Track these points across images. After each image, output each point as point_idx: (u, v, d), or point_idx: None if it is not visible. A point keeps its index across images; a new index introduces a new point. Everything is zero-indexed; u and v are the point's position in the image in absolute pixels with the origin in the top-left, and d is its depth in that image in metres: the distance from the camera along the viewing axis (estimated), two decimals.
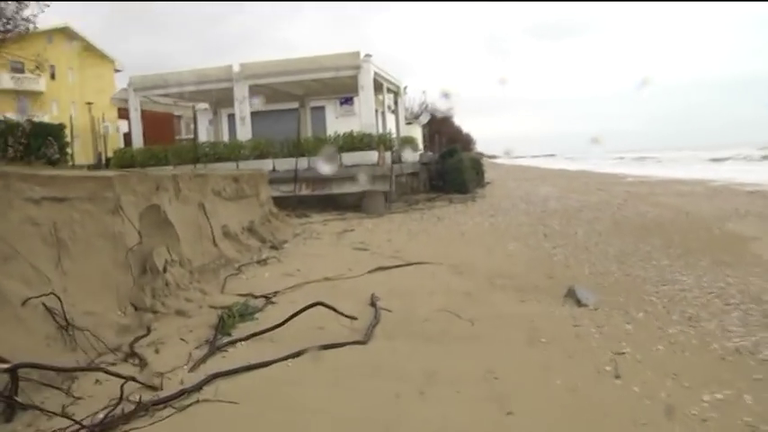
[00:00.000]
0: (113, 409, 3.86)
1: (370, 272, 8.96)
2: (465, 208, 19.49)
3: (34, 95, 53.74)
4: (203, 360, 5.04)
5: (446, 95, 67.45)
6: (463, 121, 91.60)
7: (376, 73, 19.57)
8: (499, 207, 19.61)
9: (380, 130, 22.36)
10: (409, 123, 39.80)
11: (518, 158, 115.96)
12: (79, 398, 4.15)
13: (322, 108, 29.61)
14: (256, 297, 7.36)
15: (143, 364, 4.85)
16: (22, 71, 53.03)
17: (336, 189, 18.44)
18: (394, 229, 14.36)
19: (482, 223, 15.57)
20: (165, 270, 6.78)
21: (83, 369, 4.41)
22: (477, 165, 29.18)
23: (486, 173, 32.52)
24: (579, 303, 7.32)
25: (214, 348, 5.28)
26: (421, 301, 7.30)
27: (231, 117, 30.93)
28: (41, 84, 53.89)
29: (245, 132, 19.71)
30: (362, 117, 18.80)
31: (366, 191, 17.97)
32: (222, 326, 5.84)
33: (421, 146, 31.76)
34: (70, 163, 14.81)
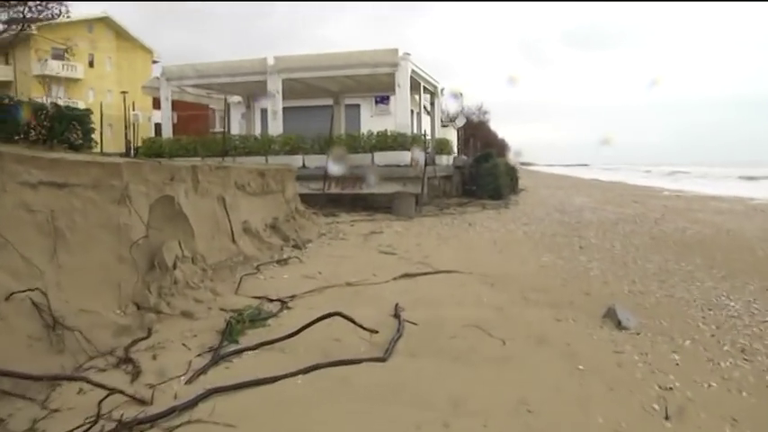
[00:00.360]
0: (89, 429, 3.35)
1: (395, 279, 8.43)
2: (497, 215, 18.87)
3: (72, 82, 54.31)
4: (203, 371, 4.54)
5: (480, 110, 66.91)
6: (498, 127, 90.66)
7: (413, 71, 19.04)
8: (533, 215, 18.96)
9: (415, 131, 21.84)
10: (445, 126, 39.20)
11: (551, 166, 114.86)
12: (56, 410, 3.66)
13: (357, 106, 29.19)
14: (272, 301, 6.86)
15: (136, 371, 4.36)
16: (62, 57, 53.93)
17: (367, 189, 17.94)
18: (423, 233, 13.82)
19: (515, 231, 14.95)
20: (174, 266, 6.32)
21: (57, 378, 3.91)
22: (511, 171, 28.53)
23: (521, 180, 31.84)
24: (619, 325, 6.72)
25: (217, 358, 4.78)
26: (449, 313, 6.74)
27: (264, 111, 30.72)
28: (79, 71, 54.45)
29: (276, 127, 19.30)
30: (397, 116, 18.29)
31: (397, 192, 17.45)
32: (229, 332, 5.34)
33: (455, 149, 31.14)
34: (96, 149, 14.48)
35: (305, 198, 18.03)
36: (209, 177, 8.27)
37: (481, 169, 24.40)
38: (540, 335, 6.16)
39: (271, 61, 19.09)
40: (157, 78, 21.51)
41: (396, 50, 18.15)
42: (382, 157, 17.52)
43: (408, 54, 18.30)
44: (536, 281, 8.92)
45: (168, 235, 6.61)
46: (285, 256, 9.73)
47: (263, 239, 9.87)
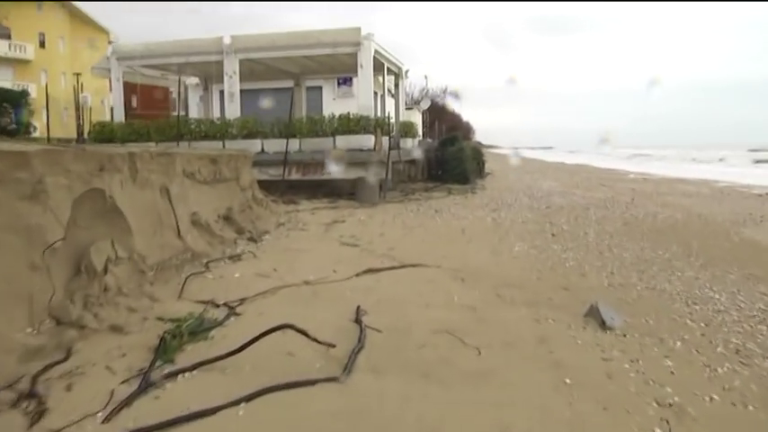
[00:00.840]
0: None
1: (357, 275, 7.71)
2: (465, 200, 18.26)
3: (22, 64, 52.00)
4: (127, 403, 3.78)
5: (456, 95, 66.24)
6: (463, 110, 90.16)
7: (377, 52, 18.24)
8: (501, 200, 18.39)
9: (379, 114, 21.05)
10: (409, 109, 38.49)
11: (517, 149, 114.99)
12: None
13: (319, 88, 28.30)
14: (218, 306, 6.11)
15: (39, 410, 3.55)
16: (9, 37, 51.57)
17: (328, 175, 17.16)
18: (388, 222, 13.12)
19: (484, 218, 14.35)
20: (106, 270, 5.53)
21: None
22: (477, 154, 27.95)
23: (487, 163, 31.27)
24: (603, 325, 6.13)
25: (145, 385, 4.02)
26: (416, 316, 6.07)
27: (222, 93, 29.70)
28: (29, 52, 52.13)
29: (233, 110, 18.38)
30: (360, 98, 17.50)
31: (360, 178, 16.71)
32: (164, 350, 4.57)
33: (420, 132, 30.47)
34: (36, 135, 13.47)
35: (264, 185, 17.18)
36: (150, 166, 7.45)
37: (447, 153, 23.77)
38: (518, 340, 5.52)
39: (227, 41, 18.13)
40: (107, 58, 20.40)
41: (358, 29, 17.33)
42: (345, 141, 16.74)
43: (371, 34, 17.49)
44: (510, 274, 8.30)
45: (99, 234, 5.80)
46: (239, 251, 8.95)
47: (215, 233, 9.08)
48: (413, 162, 23.35)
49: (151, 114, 21.87)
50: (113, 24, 64.98)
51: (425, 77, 66.03)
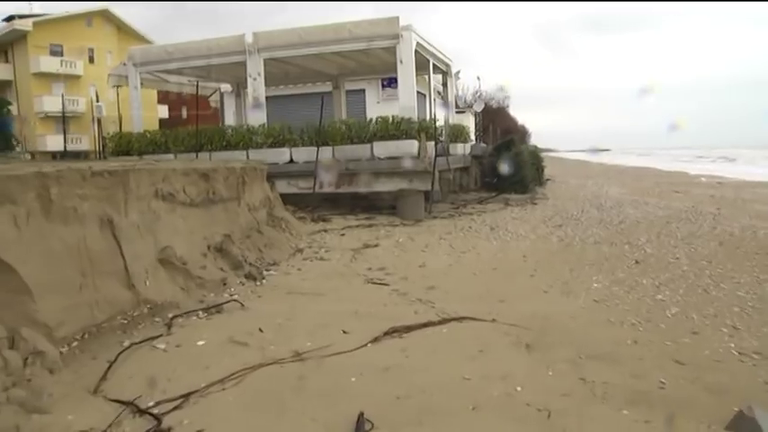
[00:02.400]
0: None
1: (376, 339, 5.39)
2: (524, 213, 15.76)
3: (72, 79, 51.83)
4: None
5: (502, 89, 63.41)
6: (518, 113, 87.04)
7: (419, 45, 15.93)
8: (566, 213, 15.82)
9: (426, 117, 18.68)
10: (461, 112, 36.06)
11: (573, 152, 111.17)
12: None
13: (361, 91, 26.19)
14: (141, 411, 3.87)
15: None
16: (61, 54, 51.74)
17: (365, 187, 14.91)
18: (432, 245, 10.78)
19: (548, 237, 11.86)
20: None
21: None
22: (536, 159, 25.27)
23: (546, 168, 28.53)
24: None
25: None
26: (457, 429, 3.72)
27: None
28: (79, 68, 52.15)
29: (259, 116, 16.30)
30: (401, 98, 15.22)
31: (402, 190, 14.41)
32: None
33: (473, 136, 28.00)
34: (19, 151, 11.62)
35: (293, 199, 15.15)
36: (81, 190, 5.28)
37: (503, 159, 21.27)
38: None
39: (249, 39, 16.07)
40: (124, 64, 18.58)
41: (396, 19, 15.03)
42: (383, 149, 14.45)
43: (411, 25, 15.17)
44: (593, 334, 5.85)
45: None
46: (225, 296, 6.74)
47: (193, 273, 6.87)
48: (465, 170, 20.95)
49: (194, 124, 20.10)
50: (161, 37, 64.50)
51: (478, 78, 63.43)
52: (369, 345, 5.25)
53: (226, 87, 24.10)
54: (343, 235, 11.79)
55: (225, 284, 7.24)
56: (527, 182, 21.01)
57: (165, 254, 6.60)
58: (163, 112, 49.52)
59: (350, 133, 15.10)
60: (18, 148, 42.67)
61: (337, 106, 21.91)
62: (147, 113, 36.43)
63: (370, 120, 15.21)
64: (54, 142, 45.52)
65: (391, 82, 24.80)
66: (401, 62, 14.89)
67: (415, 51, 15.50)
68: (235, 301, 6.51)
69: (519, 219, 14.59)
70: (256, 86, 16.28)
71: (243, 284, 7.47)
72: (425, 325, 5.82)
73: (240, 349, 5.09)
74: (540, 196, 20.20)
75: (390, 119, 14.67)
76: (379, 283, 7.70)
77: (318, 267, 8.80)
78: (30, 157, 39.69)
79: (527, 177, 21.11)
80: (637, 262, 9.50)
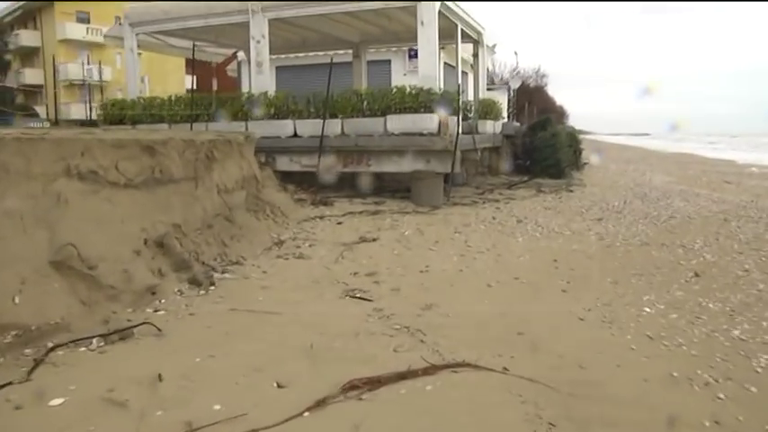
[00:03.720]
0: None
1: (317, 405, 3.55)
2: (558, 202, 13.76)
3: (98, 47, 50.71)
4: None
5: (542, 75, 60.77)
6: (556, 93, 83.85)
7: (446, 7, 13.95)
8: (606, 203, 13.78)
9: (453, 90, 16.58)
10: (495, 89, 33.88)
11: (614, 136, 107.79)
12: None
13: (387, 62, 24.17)
14: None
15: None
16: (87, 21, 50.75)
17: (376, 166, 13.04)
18: (444, 240, 8.91)
19: (585, 235, 9.91)
20: None
21: None
22: (574, 141, 22.97)
23: (584, 152, 26.27)
24: None
25: None
26: None
27: (277, 68, 26.00)
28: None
29: (261, 83, 14.46)
30: (421, 65, 13.25)
31: (417, 171, 12.52)
32: None
33: (505, 114, 25.88)
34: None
35: (297, 178, 13.40)
36: None
37: (537, 139, 19.20)
38: None
39: None
40: (120, 25, 16.85)
41: None
42: (398, 123, 12.53)
43: None
44: (650, 401, 3.96)
45: None
46: (142, 316, 4.96)
47: (102, 280, 5.08)
48: (495, 150, 18.92)
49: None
50: None
51: (515, 54, 60.97)
52: (306, 414, 3.42)
53: (242, 55, 22.39)
54: (340, 223, 9.96)
55: (154, 294, 5.46)
56: (563, 166, 18.93)
57: (63, 254, 4.84)
58: (189, 82, 48.08)
59: (361, 105, 13.20)
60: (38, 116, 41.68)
61: (357, 77, 19.98)
62: (172, 86, 35.02)
63: (386, 89, 13.28)
64: (78, 110, 44.40)
65: (415, 54, 22.79)
66: (422, 24, 12.89)
67: (440, 13, 13.51)
68: (148, 324, 4.71)
69: (552, 209, 12.62)
70: (260, 50, 14.43)
71: (181, 294, 5.70)
72: (403, 376, 3.98)
73: (111, 415, 3.31)
74: (577, 182, 18.10)
75: (407, 89, 12.72)
76: (360, 298, 5.86)
77: (291, 269, 6.99)
78: (48, 124, 38.43)
79: (563, 161, 19.02)
80: (696, 275, 7.54)
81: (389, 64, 24.11)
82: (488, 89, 29.17)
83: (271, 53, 22.49)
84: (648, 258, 8.39)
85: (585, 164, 24.71)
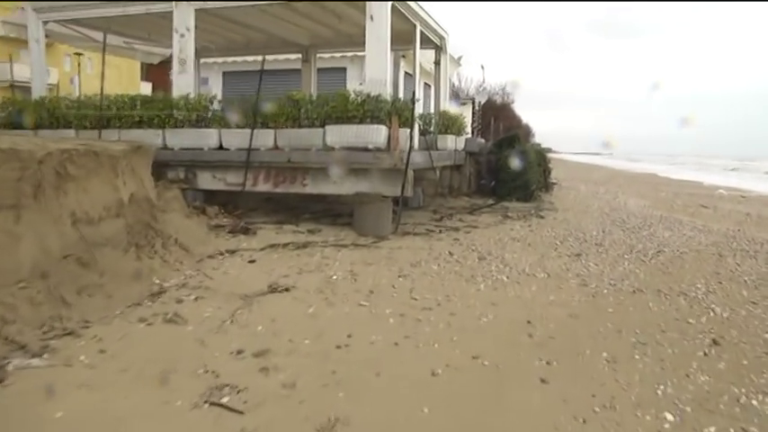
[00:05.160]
0: None
1: None
2: (528, 231, 11.77)
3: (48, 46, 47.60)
4: None
5: (514, 85, 59.18)
6: (522, 112, 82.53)
7: (402, 2, 11.95)
8: (582, 232, 11.84)
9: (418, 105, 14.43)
10: (463, 104, 32.07)
11: (576, 154, 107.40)
12: None
13: (341, 70, 22.08)
14: None
15: None
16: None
17: (313, 187, 10.92)
18: (382, 289, 6.79)
19: (563, 277, 7.91)
20: None
21: None
22: (543, 160, 21.10)
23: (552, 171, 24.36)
24: None
25: None
26: None
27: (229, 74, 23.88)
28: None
29: (184, 83, 12.26)
30: (368, 67, 11.18)
31: (360, 194, 10.43)
32: None
33: (469, 129, 23.93)
34: None
35: (222, 198, 11.28)
36: None
37: (504, 158, 17.25)
38: None
39: None
40: (23, 9, 14.53)
41: None
42: (339, 135, 10.42)
43: None
44: None
45: None
46: None
47: None
48: (457, 168, 16.93)
49: None
50: None
51: (482, 68, 59.56)
52: None
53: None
54: (253, 261, 7.78)
55: None
56: (531, 187, 17.00)
57: None
58: (146, 89, 45.37)
59: (298, 113, 11.07)
60: None
61: (306, 85, 17.87)
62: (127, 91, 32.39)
63: (326, 95, 11.16)
64: None
65: None
66: (371, 19, 10.84)
67: (395, 10, 11.51)
68: None
69: (521, 240, 10.60)
70: (183, 45, 12.23)
71: None
72: None
73: None
74: (548, 206, 16.16)
75: (351, 95, 10.62)
76: (226, 408, 3.69)
77: (148, 344, 4.79)
78: None
79: (532, 182, 17.09)
80: (715, 342, 5.57)
81: (344, 72, 22.03)
82: (454, 103, 27.35)
83: (213, 55, 20.51)
84: (647, 314, 6.42)
85: (554, 184, 22.89)
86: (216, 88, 21.25)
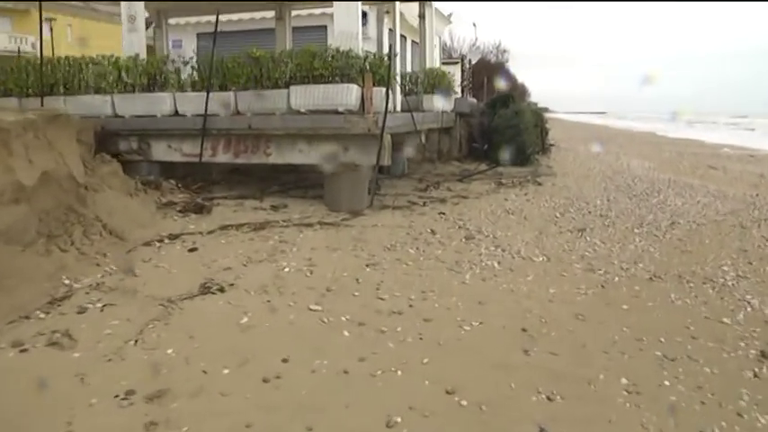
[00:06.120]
0: None
1: None
2: (524, 200, 10.50)
3: (20, 14, 45.96)
4: None
5: (498, 48, 57.10)
6: (518, 71, 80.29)
7: None
8: (584, 201, 10.61)
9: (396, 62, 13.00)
10: (453, 63, 30.48)
11: (572, 114, 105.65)
12: None
13: (321, 29, 20.46)
14: None
15: None
16: None
17: (277, 156, 9.61)
18: (342, 285, 5.54)
19: (565, 261, 6.70)
20: None
21: None
22: (539, 120, 19.65)
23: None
24: None
25: None
26: None
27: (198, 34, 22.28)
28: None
29: (135, 43, 10.87)
30: (336, 19, 9.78)
31: (331, 162, 9.11)
32: None
33: (459, 89, 22.46)
34: None
35: (182, 171, 10.03)
36: None
37: (498, 119, 15.89)
38: None
39: None
40: None
41: None
42: (305, 97, 9.09)
43: None
44: None
45: None
46: None
47: None
48: (446, 131, 15.57)
49: None
50: None
51: (474, 25, 57.62)
52: None
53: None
54: (194, 250, 6.51)
55: None
56: (528, 151, 15.67)
57: None
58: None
59: (259, 73, 9.69)
60: None
61: (281, 45, 16.33)
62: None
63: (289, 51, 9.79)
64: None
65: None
66: None
67: None
68: None
69: (516, 213, 9.35)
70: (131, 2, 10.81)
71: None
72: None
73: None
74: (545, 170, 14.86)
75: (318, 51, 9.23)
76: None
77: (4, 383, 3.54)
78: None
79: (528, 144, 15.74)
80: (764, 356, 4.34)
81: (325, 31, 20.42)
82: (444, 63, 25.84)
83: (184, 15, 18.99)
84: (670, 312, 5.22)
85: (552, 145, 21.56)
86: (190, 51, 19.75)
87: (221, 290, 5.07)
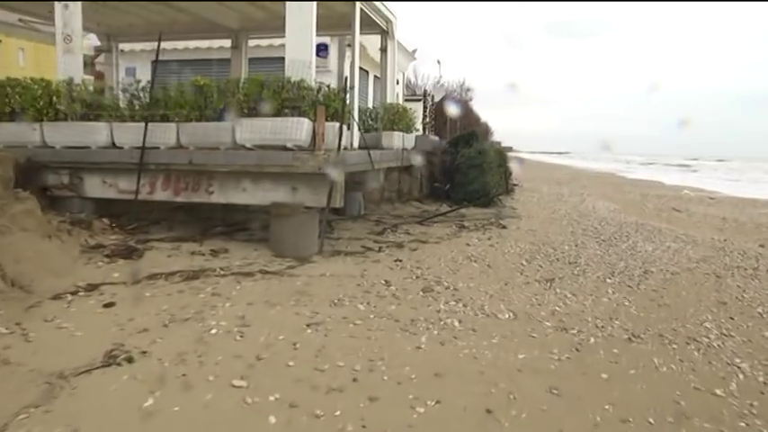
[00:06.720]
0: None
1: None
2: (488, 247, 9.79)
3: None
4: None
5: (462, 87, 57.19)
6: (482, 110, 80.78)
7: None
8: (552, 248, 9.97)
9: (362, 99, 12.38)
10: (417, 100, 30.05)
11: (535, 153, 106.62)
12: None
13: (279, 60, 19.77)
14: None
15: None
16: None
17: (220, 195, 8.79)
18: (275, 351, 4.73)
19: (534, 319, 5.99)
20: None
21: None
22: (503, 160, 19.09)
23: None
24: None
25: None
26: None
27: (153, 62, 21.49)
28: None
29: (72, 66, 10.01)
30: (288, 47, 9.11)
31: (277, 203, 8.33)
32: None
33: (421, 126, 21.93)
34: None
35: (119, 208, 9.17)
36: None
37: (460, 158, 15.30)
38: None
39: None
40: None
41: None
42: (252, 131, 8.32)
43: None
44: None
45: None
46: None
47: None
48: (406, 170, 14.91)
49: None
50: None
51: (438, 62, 57.67)
52: None
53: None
54: (110, 305, 5.62)
55: None
56: (491, 190, 15.07)
57: None
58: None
59: (204, 103, 8.92)
60: None
61: (236, 75, 15.65)
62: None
63: (236, 80, 9.04)
64: None
65: (320, 49, 18.52)
66: None
67: None
68: None
69: (479, 260, 8.63)
70: (68, 19, 10.01)
71: None
72: None
73: None
74: (509, 212, 14.24)
75: (266, 81, 8.50)
76: None
77: None
78: None
79: (491, 185, 15.15)
80: None
81: (283, 62, 19.78)
82: (407, 100, 25.34)
83: (136, 40, 18.15)
84: (655, 381, 4.54)
85: (516, 185, 21.07)
86: (144, 79, 18.84)
87: (129, 360, 4.21)
